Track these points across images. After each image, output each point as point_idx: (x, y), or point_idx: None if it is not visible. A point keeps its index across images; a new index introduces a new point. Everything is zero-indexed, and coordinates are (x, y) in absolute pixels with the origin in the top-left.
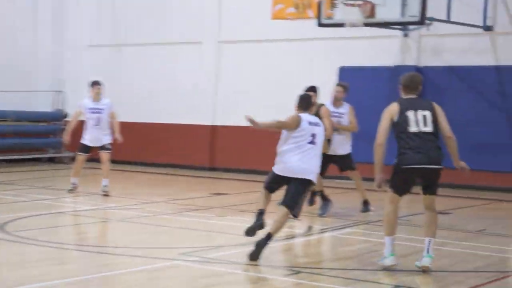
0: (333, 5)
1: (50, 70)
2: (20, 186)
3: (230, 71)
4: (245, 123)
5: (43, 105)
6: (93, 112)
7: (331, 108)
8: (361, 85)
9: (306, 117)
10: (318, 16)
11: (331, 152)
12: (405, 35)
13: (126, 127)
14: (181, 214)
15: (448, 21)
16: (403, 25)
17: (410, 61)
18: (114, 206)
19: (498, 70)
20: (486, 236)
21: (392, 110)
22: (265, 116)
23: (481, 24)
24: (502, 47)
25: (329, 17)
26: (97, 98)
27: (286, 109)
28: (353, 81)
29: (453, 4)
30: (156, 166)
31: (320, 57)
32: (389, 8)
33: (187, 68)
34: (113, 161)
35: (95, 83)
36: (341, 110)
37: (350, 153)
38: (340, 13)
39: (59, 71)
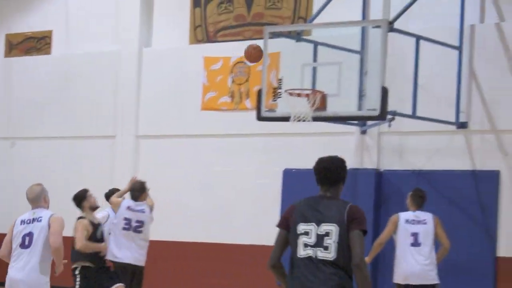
0: (276, 95)
1: None
2: None
3: (150, 170)
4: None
5: None
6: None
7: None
8: (310, 193)
9: None
10: (258, 108)
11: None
12: (363, 132)
13: None
14: None
15: (413, 116)
16: (360, 120)
17: (369, 164)
18: None
19: (474, 175)
20: None
21: None
22: (194, 225)
23: (453, 120)
24: (478, 148)
25: (271, 109)
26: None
27: (218, 215)
28: (300, 187)
29: (420, 96)
30: None
31: (260, 157)
32: (344, 100)
33: (98, 166)
34: None
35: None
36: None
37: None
38: (284, 105)
39: None
